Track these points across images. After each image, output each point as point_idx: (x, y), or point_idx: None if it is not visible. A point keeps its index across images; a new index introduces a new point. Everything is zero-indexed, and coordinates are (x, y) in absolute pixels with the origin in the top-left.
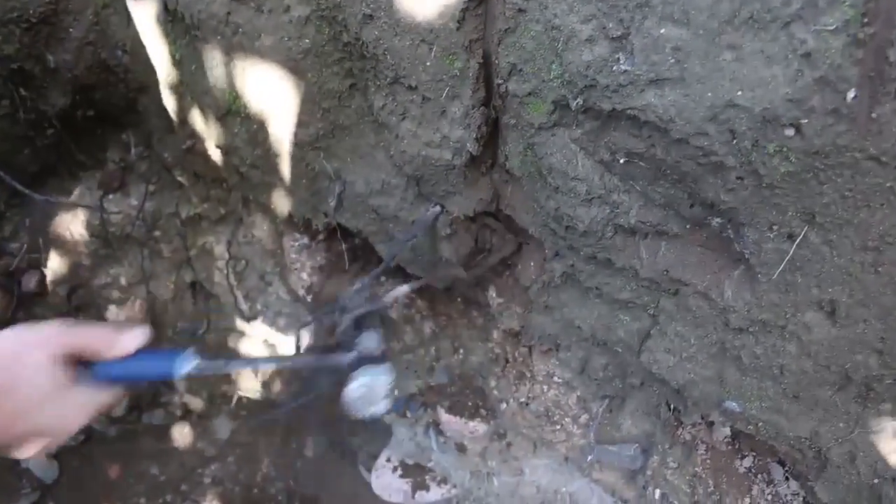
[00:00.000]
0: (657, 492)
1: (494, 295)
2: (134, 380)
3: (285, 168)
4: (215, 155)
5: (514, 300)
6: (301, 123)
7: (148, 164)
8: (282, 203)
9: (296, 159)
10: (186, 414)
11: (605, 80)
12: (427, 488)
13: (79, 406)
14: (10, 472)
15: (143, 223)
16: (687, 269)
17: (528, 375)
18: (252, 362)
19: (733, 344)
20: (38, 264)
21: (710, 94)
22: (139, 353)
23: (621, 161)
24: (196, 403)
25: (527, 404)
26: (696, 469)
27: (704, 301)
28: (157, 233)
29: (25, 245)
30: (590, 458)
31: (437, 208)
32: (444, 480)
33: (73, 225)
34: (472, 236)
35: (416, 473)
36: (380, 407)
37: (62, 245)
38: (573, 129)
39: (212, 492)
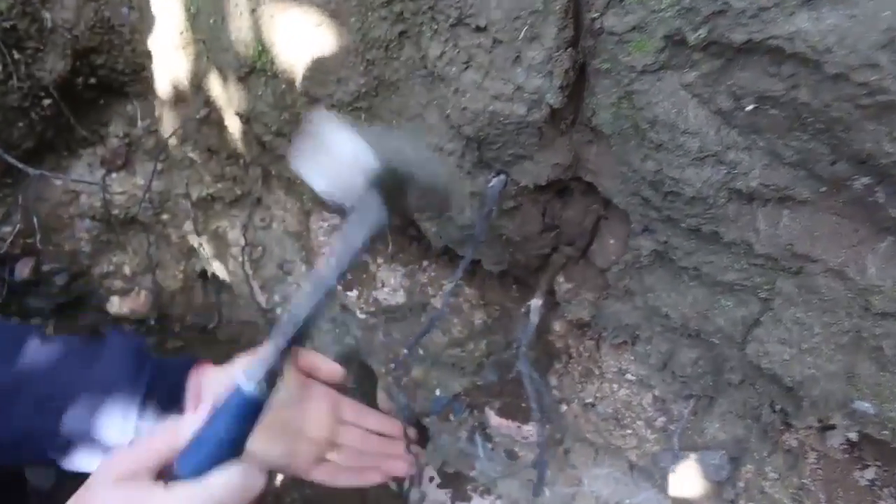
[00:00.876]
0: None
1: (562, 280)
2: (222, 446)
3: None
4: (233, 125)
5: (584, 285)
6: (340, 80)
7: (155, 140)
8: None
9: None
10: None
11: (740, 2)
12: (469, 500)
13: None
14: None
15: (150, 205)
16: (816, 242)
17: (596, 373)
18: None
19: (873, 332)
20: (33, 250)
21: (887, 14)
22: (207, 423)
23: (747, 109)
24: None
25: (593, 405)
26: (804, 480)
27: (838, 280)
28: (164, 216)
29: (19, 228)
30: (662, 464)
31: (502, 177)
32: (487, 491)
33: (72, 207)
34: (539, 210)
35: (456, 483)
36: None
37: (59, 229)
38: (686, 71)
39: None
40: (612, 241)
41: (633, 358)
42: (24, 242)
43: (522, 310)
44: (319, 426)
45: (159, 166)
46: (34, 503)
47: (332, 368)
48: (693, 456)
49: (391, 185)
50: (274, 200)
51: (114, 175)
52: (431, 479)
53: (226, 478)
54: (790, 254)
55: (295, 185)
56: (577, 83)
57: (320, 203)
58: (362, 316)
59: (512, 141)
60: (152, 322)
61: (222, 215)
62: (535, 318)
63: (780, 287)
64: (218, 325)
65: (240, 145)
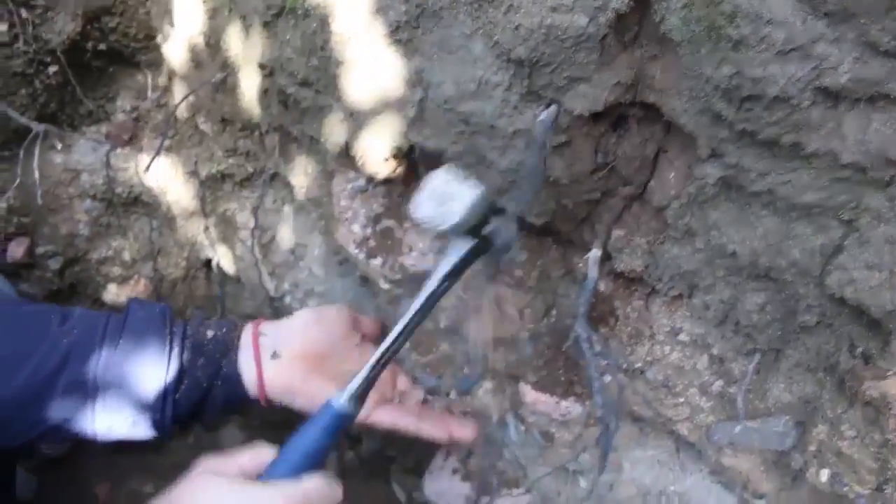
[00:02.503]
0: (824, 472)
1: (607, 221)
2: (309, 457)
3: (349, 78)
4: (252, 85)
5: (637, 231)
6: (377, 10)
7: (165, 114)
8: (337, 131)
9: (364, 63)
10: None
11: None
12: (494, 494)
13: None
14: None
15: (155, 183)
16: None
17: (647, 333)
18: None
19: None
20: (28, 230)
21: None
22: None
23: None
24: None
25: (642, 372)
26: (888, 436)
27: None
28: (170, 197)
29: (13, 205)
30: (716, 437)
31: (553, 107)
32: (515, 483)
33: (72, 187)
34: (592, 146)
35: (480, 475)
36: (454, 210)
37: (57, 210)
38: None
39: None
40: (671, 175)
41: (688, 314)
42: (18, 221)
43: (560, 271)
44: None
45: (167, 142)
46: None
47: (373, 324)
48: (752, 424)
49: (479, 219)
50: (291, 169)
51: (118, 151)
52: (455, 470)
53: (317, 481)
54: (882, 162)
55: (318, 147)
56: None
57: (344, 163)
58: (386, 286)
59: (568, 60)
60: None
61: (232, 196)
62: (593, 273)
63: (868, 204)
64: (221, 318)
65: (257, 110)
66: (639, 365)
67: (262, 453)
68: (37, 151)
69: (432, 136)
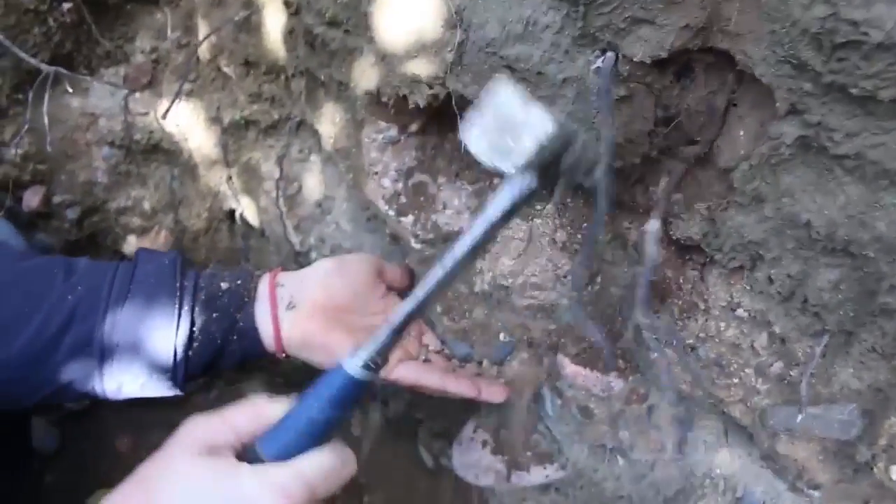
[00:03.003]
0: (893, 469)
1: (668, 187)
2: (315, 428)
3: (382, 17)
4: (277, 25)
5: (698, 195)
6: None
7: (186, 54)
8: (367, 75)
9: (399, 0)
10: (211, 379)
11: None
12: (527, 468)
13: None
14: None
15: (176, 128)
16: None
17: (701, 307)
18: (424, 289)
19: None
20: (44, 178)
21: None
22: (299, 403)
23: None
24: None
25: (693, 349)
26: None
27: None
28: (191, 144)
29: (28, 151)
30: (772, 422)
31: (611, 54)
32: (549, 457)
33: (89, 132)
34: (652, 99)
35: (513, 448)
36: (525, 146)
37: (75, 156)
38: None
39: None
40: (741, 133)
41: (748, 288)
42: (34, 168)
43: (607, 235)
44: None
45: (188, 86)
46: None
47: (400, 272)
48: (813, 410)
49: (551, 156)
50: (318, 117)
51: (137, 95)
52: (485, 443)
53: (318, 460)
54: None
55: (346, 93)
56: None
57: (375, 112)
58: (417, 246)
59: None
60: None
61: (256, 145)
62: (653, 251)
63: None
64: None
65: (283, 51)
66: (690, 341)
67: (262, 413)
68: (46, 95)
69: (472, 83)
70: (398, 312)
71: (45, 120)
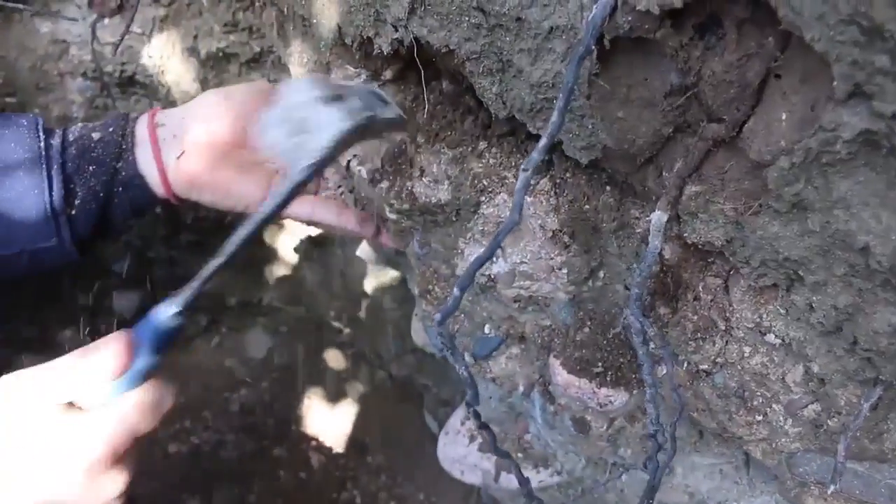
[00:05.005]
0: None
1: (682, 171)
2: (130, 379)
3: None
4: None
5: (722, 190)
6: None
7: None
8: (328, 12)
9: None
10: (213, 325)
11: None
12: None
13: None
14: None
15: (150, 60)
16: None
17: (721, 326)
18: (231, 246)
19: None
20: (14, 111)
21: None
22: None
23: None
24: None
25: (708, 374)
26: None
27: None
28: (168, 77)
29: None
30: (800, 469)
31: None
32: (543, 461)
33: (61, 62)
34: (666, 59)
35: (502, 447)
36: (311, 147)
37: (47, 89)
38: None
39: (239, 422)
40: (783, 116)
41: (782, 311)
42: (2, 101)
43: (613, 223)
44: None
45: (162, 11)
46: None
47: None
48: (857, 467)
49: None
50: (289, 55)
51: (105, 21)
52: (472, 437)
53: (134, 399)
54: None
55: (311, 30)
56: None
57: (342, 54)
58: (392, 216)
59: None
60: (158, 211)
61: (238, 79)
62: (656, 242)
63: None
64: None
65: None
66: (705, 366)
67: (87, 362)
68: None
69: (439, 29)
70: (208, 267)
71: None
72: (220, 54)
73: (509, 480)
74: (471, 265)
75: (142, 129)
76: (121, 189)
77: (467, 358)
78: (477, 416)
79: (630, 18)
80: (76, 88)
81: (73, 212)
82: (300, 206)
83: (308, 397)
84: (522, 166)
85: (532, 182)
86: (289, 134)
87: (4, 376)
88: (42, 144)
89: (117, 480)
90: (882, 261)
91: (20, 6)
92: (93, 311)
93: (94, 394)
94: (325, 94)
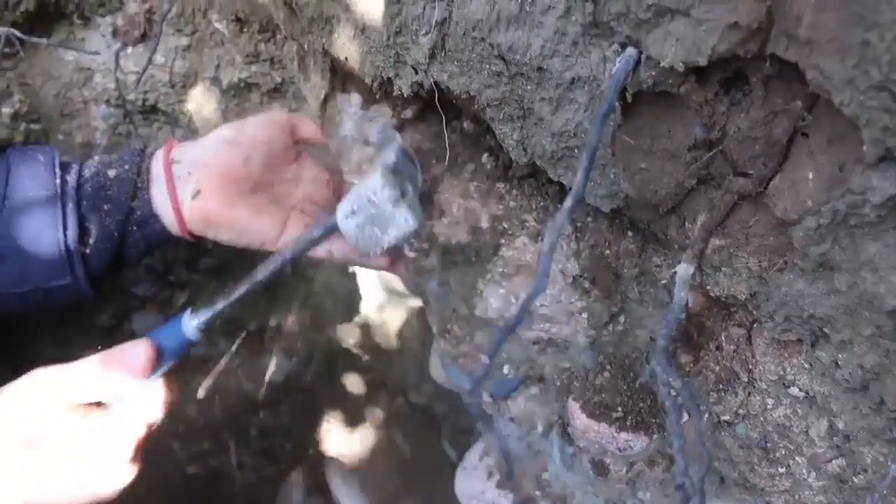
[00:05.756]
0: None
1: (707, 224)
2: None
3: None
4: None
5: (746, 245)
6: None
7: (180, 6)
8: (347, 50)
9: None
10: (232, 349)
11: None
12: None
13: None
14: None
15: (172, 89)
16: None
17: (744, 378)
18: (256, 276)
19: None
20: (39, 139)
21: None
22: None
23: None
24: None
25: (730, 424)
26: None
27: None
28: (190, 106)
29: (20, 110)
30: None
31: (632, 51)
32: (562, 500)
33: (85, 89)
34: (692, 112)
35: (521, 487)
36: (394, 231)
37: (71, 115)
38: None
39: (257, 445)
40: (810, 175)
41: (807, 366)
42: (27, 128)
43: (634, 269)
44: (316, 189)
45: (184, 41)
46: None
47: (313, 127)
48: None
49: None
50: (309, 89)
51: (129, 50)
52: (490, 474)
53: (153, 397)
54: None
55: (329, 65)
56: None
57: (362, 90)
58: (412, 254)
59: None
60: None
61: (259, 108)
62: (682, 294)
63: None
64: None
65: (272, 11)
66: (727, 417)
67: (109, 364)
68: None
69: (459, 75)
70: (238, 290)
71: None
72: (242, 84)
73: None
74: (501, 333)
75: (157, 165)
76: (135, 227)
77: (486, 397)
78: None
79: (653, 73)
80: (99, 115)
81: (88, 250)
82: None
83: (326, 421)
84: (548, 230)
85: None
86: (362, 225)
87: (34, 371)
88: (58, 182)
89: (133, 470)
90: None
91: (43, 41)
92: (113, 332)
93: (122, 393)
94: (394, 194)
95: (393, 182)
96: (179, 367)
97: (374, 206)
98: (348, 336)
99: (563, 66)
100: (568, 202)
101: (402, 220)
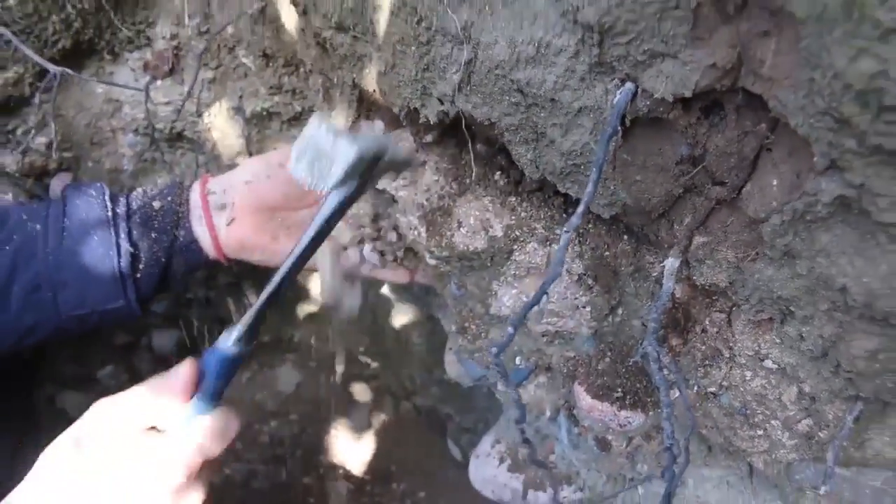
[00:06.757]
0: None
1: (691, 224)
2: (205, 399)
3: (386, 26)
4: (290, 22)
5: (725, 241)
6: None
7: (207, 42)
8: (377, 83)
9: (404, 12)
10: (246, 361)
11: None
12: (543, 488)
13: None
14: (46, 411)
15: (198, 119)
16: None
17: (726, 355)
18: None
19: None
20: (70, 166)
21: None
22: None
23: None
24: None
25: (715, 395)
26: None
27: None
28: (214, 134)
29: (54, 140)
30: (797, 477)
31: (630, 86)
32: (567, 479)
33: (114, 119)
34: (679, 134)
35: (530, 468)
36: (331, 173)
37: (100, 143)
38: None
39: (269, 453)
40: (774, 182)
41: (778, 340)
42: (61, 156)
43: (630, 267)
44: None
45: (210, 74)
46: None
47: None
48: (843, 472)
49: (364, 170)
50: (335, 117)
51: (158, 83)
52: (502, 459)
53: (204, 424)
54: None
55: (358, 96)
56: None
57: (388, 119)
58: (432, 261)
59: (651, 30)
60: None
61: (280, 136)
62: (669, 284)
63: None
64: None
65: (298, 47)
66: (713, 389)
67: (164, 389)
68: (55, 92)
69: (482, 105)
70: (259, 300)
71: (52, 121)
72: (264, 113)
73: (535, 498)
74: (522, 308)
75: (195, 197)
76: (179, 253)
77: (500, 386)
78: (523, 432)
79: (648, 103)
80: (127, 143)
81: (139, 275)
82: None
83: (335, 428)
84: (564, 228)
85: (557, 232)
86: (310, 163)
87: (98, 402)
88: (110, 213)
89: (196, 498)
90: (857, 298)
91: (80, 76)
92: (131, 350)
93: (171, 418)
94: (331, 127)
95: (329, 122)
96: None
97: (315, 142)
98: (356, 344)
99: (572, 98)
100: (581, 206)
101: (346, 148)
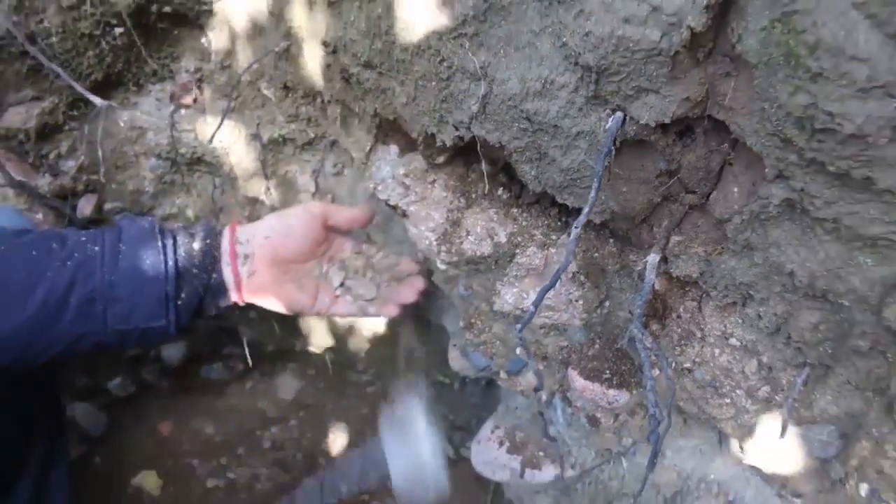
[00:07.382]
0: (863, 486)
1: (668, 226)
2: None
3: (411, 65)
4: (314, 59)
5: (696, 239)
6: (444, 2)
7: (228, 76)
8: (398, 112)
9: (429, 52)
10: (248, 370)
11: None
12: (539, 466)
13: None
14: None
15: (218, 144)
16: None
17: (697, 335)
18: None
19: None
20: (96, 187)
21: None
22: None
23: None
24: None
25: (689, 371)
26: None
27: None
28: (232, 158)
29: (83, 163)
30: (759, 439)
31: (619, 114)
32: (560, 458)
33: (137, 144)
34: (658, 152)
35: (526, 449)
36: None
37: (124, 167)
38: None
39: (271, 457)
40: (735, 190)
41: (740, 321)
42: (87, 178)
43: (616, 265)
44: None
45: (231, 104)
46: (84, 448)
47: (351, 216)
48: (796, 430)
49: None
50: (352, 143)
51: (182, 112)
52: (501, 442)
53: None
54: None
55: (371, 122)
56: (724, 3)
57: (400, 142)
58: (442, 267)
59: (638, 71)
60: None
61: (293, 159)
62: (651, 276)
63: None
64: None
65: (320, 81)
66: (687, 365)
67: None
68: (101, 124)
69: (494, 131)
70: None
71: (100, 149)
72: (280, 139)
73: (532, 476)
74: (539, 291)
75: (225, 242)
76: (210, 291)
77: (502, 374)
78: (543, 396)
79: (634, 128)
80: (149, 167)
81: (180, 302)
82: (341, 306)
83: (333, 432)
84: (574, 224)
85: (553, 238)
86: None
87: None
88: (160, 243)
89: None
90: (802, 280)
91: (109, 103)
92: (141, 361)
93: None
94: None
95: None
96: (200, 386)
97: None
98: (355, 350)
99: (571, 124)
100: (587, 207)
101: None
